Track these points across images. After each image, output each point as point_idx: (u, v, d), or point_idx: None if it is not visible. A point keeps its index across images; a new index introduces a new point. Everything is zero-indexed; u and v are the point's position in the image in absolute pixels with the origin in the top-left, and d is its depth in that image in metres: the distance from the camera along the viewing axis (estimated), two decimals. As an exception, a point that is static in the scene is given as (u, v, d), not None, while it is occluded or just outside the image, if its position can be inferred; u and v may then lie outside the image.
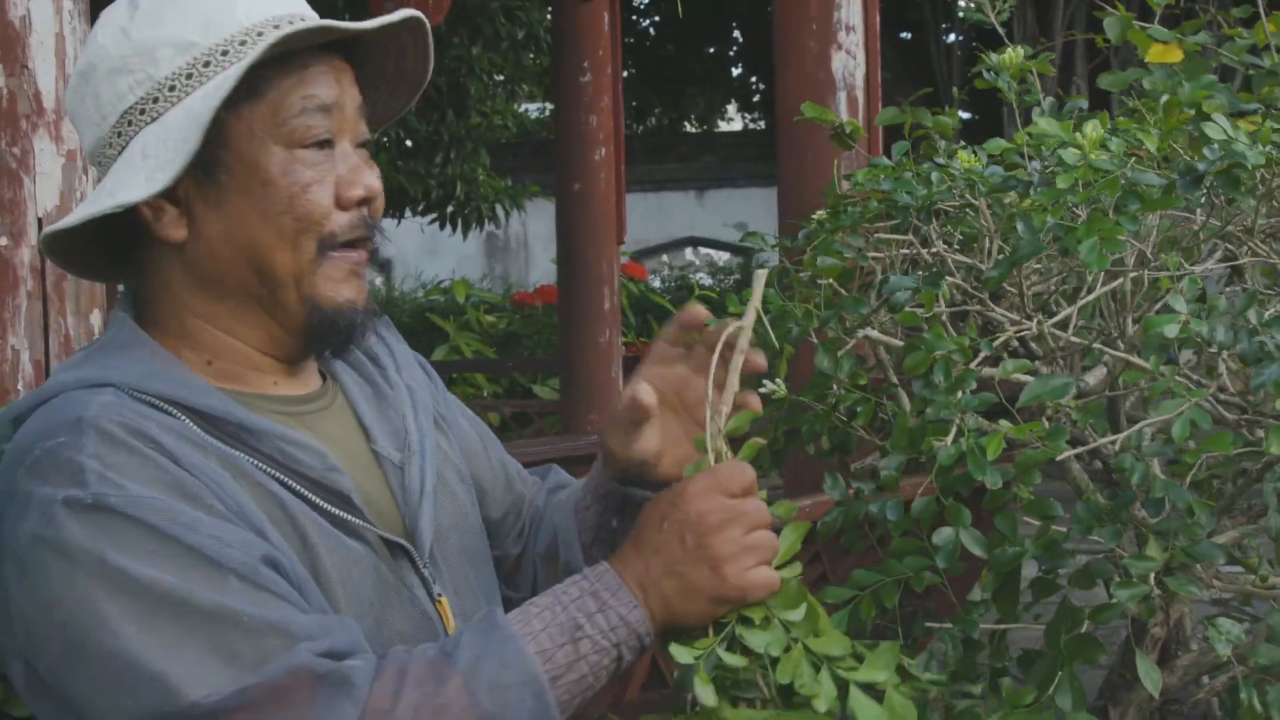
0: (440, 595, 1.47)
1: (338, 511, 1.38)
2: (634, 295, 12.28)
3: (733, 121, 21.68)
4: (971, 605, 1.84)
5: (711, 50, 19.36)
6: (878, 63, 5.12)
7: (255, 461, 1.34)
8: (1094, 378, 1.96)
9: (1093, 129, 1.74)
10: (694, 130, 20.22)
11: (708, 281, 15.72)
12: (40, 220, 3.08)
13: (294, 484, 1.35)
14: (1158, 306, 1.87)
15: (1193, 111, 1.93)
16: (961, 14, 14.88)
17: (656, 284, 15.38)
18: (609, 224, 7.70)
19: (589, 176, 7.58)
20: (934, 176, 1.90)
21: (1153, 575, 1.65)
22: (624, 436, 1.51)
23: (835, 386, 1.91)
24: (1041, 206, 1.72)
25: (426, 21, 1.45)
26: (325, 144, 1.39)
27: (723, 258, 17.92)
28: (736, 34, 19.37)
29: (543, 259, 15.51)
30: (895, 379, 2.23)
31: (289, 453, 1.36)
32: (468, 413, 1.71)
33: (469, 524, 1.58)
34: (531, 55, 11.63)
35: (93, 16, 3.23)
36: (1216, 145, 1.77)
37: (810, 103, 2.66)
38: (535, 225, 16.36)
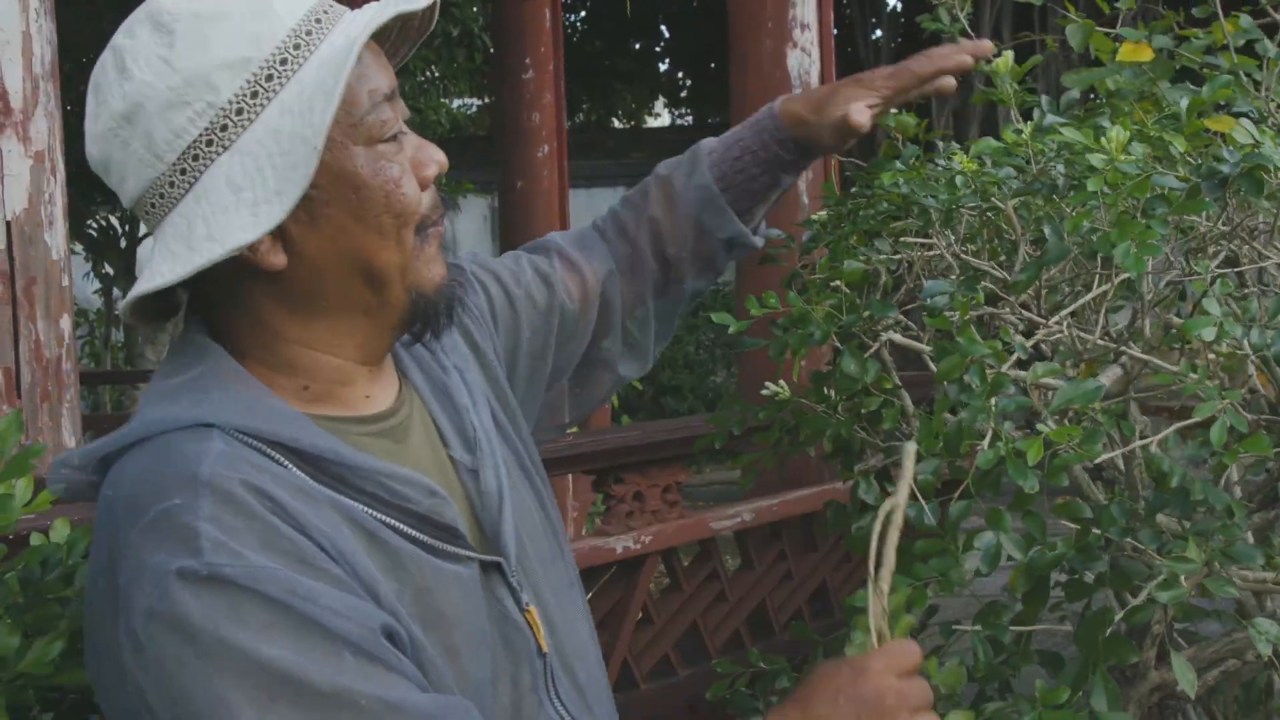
0: (529, 605, 1.44)
1: (443, 545, 1.35)
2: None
3: (660, 117, 21.69)
4: (996, 606, 1.84)
5: (638, 46, 19.35)
6: (832, 60, 5.14)
7: (361, 504, 1.29)
8: (1108, 379, 1.97)
9: (1116, 132, 1.75)
10: (622, 126, 20.20)
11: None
12: (9, 223, 3.01)
13: (399, 523, 1.31)
14: (1184, 307, 1.89)
15: (1212, 116, 1.94)
16: (922, 27, 14.98)
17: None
18: (552, 221, 7.67)
19: (532, 174, 7.55)
20: (958, 180, 1.90)
21: (1183, 577, 1.66)
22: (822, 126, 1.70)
23: (858, 390, 1.90)
24: (1070, 210, 1.73)
25: None
26: (398, 134, 1.34)
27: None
28: (664, 30, 19.38)
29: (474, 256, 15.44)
30: (898, 382, 2.23)
31: (394, 489, 1.32)
32: (487, 290, 1.72)
33: (535, 521, 1.54)
34: (464, 51, 11.57)
35: (59, 15, 3.16)
36: (1235, 149, 1.79)
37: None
38: (465, 223, 16.26)
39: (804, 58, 4.97)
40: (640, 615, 3.97)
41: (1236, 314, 1.65)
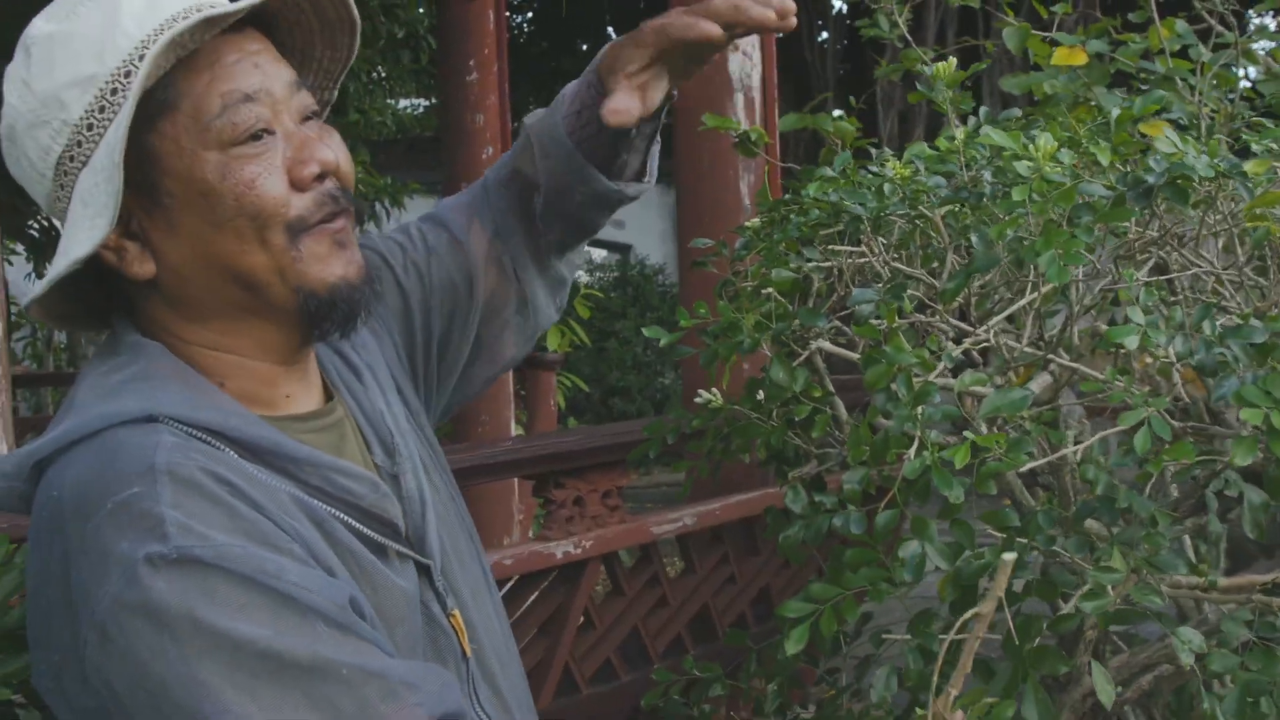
0: (454, 609, 1.43)
1: (386, 542, 1.34)
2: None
3: (607, 118, 21.70)
4: (925, 615, 1.84)
5: (585, 47, 19.33)
6: (774, 64, 5.14)
7: (307, 495, 1.28)
8: (1038, 385, 1.98)
9: (1044, 141, 1.75)
10: (570, 127, 20.17)
11: (586, 279, 15.69)
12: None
13: (346, 516, 1.30)
14: (1118, 313, 1.89)
15: (1137, 126, 1.95)
16: (861, 33, 15.02)
17: (536, 282, 15.32)
18: (497, 223, 7.65)
19: (476, 175, 7.49)
20: (886, 188, 1.90)
21: (1111, 586, 1.66)
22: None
23: (787, 399, 1.90)
24: (996, 218, 1.73)
25: None
26: (261, 133, 1.30)
27: (600, 255, 17.91)
28: (610, 31, 19.37)
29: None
30: (831, 389, 2.23)
31: (338, 482, 1.31)
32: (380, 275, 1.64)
33: (452, 522, 1.53)
34: (410, 53, 11.50)
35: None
36: (1162, 158, 1.79)
37: (712, 113, 2.65)
38: (412, 223, 16.18)
39: (745, 61, 4.97)
40: (582, 620, 3.95)
41: (1162, 322, 1.65)
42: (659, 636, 4.23)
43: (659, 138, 1.68)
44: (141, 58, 1.27)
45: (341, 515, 1.30)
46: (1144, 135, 2.44)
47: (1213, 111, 3.37)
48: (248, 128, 1.29)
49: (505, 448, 3.76)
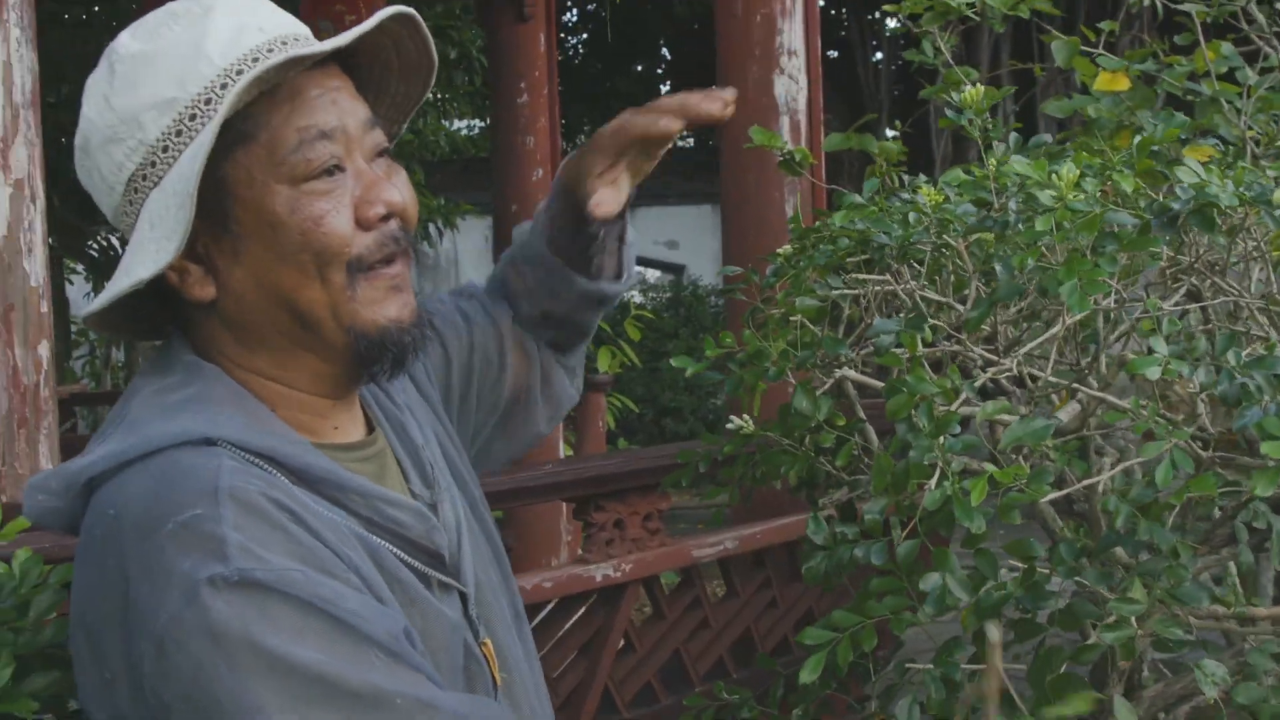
0: (485, 638, 1.45)
1: (431, 572, 1.36)
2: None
3: (662, 139, 21.72)
4: (951, 645, 1.83)
5: (640, 68, 19.39)
6: (820, 87, 5.14)
7: (358, 525, 1.30)
8: (1066, 414, 1.97)
9: (1068, 170, 1.75)
10: (624, 148, 20.20)
11: (639, 299, 15.72)
12: (-14, 251, 3.03)
13: (393, 547, 1.33)
14: (1120, 342, 1.88)
15: (1162, 150, 1.94)
16: (899, 57, 14.97)
17: (589, 302, 15.35)
18: (547, 245, 7.68)
19: (526, 198, 7.56)
20: (911, 216, 1.90)
21: (1134, 617, 1.65)
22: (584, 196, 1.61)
23: (813, 426, 1.90)
24: (1020, 247, 1.73)
25: (413, 12, 1.39)
26: (334, 170, 1.33)
27: (654, 275, 17.93)
28: (665, 52, 19.43)
29: (474, 277, 15.46)
30: (863, 416, 2.23)
31: (388, 514, 1.33)
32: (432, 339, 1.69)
33: (486, 555, 1.54)
34: (464, 74, 11.59)
35: (40, 45, 3.18)
36: (1188, 186, 1.78)
37: (759, 127, 2.66)
38: (466, 243, 16.27)
39: (791, 84, 4.97)
40: (622, 643, 3.95)
41: (1185, 351, 1.64)
42: (700, 660, 4.22)
43: (630, 241, 1.77)
44: (224, 86, 1.30)
45: (389, 545, 1.32)
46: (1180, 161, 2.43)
47: (1258, 135, 3.35)
48: (321, 164, 1.31)
49: (545, 471, 3.78)
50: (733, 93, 1.58)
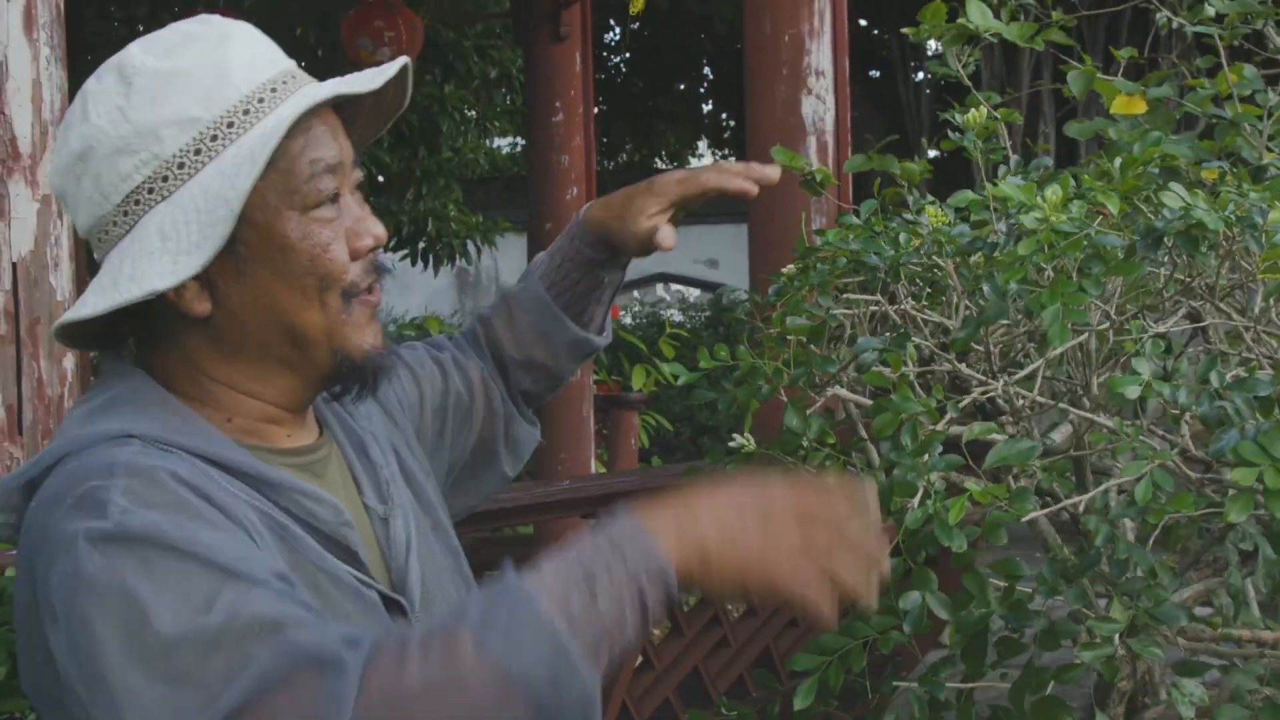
0: None
1: (345, 567, 1.38)
2: (602, 333, 12.24)
3: (703, 157, 21.74)
4: (939, 665, 1.84)
5: (682, 87, 19.43)
6: (847, 107, 5.15)
7: (279, 514, 1.34)
8: (1060, 435, 1.98)
9: (1053, 192, 1.76)
10: (665, 167, 20.27)
11: (679, 318, 15.73)
12: (14, 265, 3.08)
13: (309, 538, 1.35)
14: (1119, 363, 1.89)
15: (1150, 169, 1.95)
16: (928, 72, 14.94)
17: (628, 320, 15.39)
18: (580, 263, 7.72)
19: (560, 216, 7.60)
20: (902, 237, 1.92)
21: (1117, 636, 1.66)
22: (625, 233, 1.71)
23: (806, 445, 1.92)
24: (1006, 268, 1.74)
25: (410, 64, 1.46)
26: (333, 200, 1.39)
27: (693, 294, 17.95)
28: (707, 71, 19.47)
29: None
30: (864, 434, 2.24)
31: (305, 505, 1.36)
32: (397, 381, 1.73)
33: (446, 579, 1.57)
34: (504, 93, 11.65)
35: (70, 64, 3.24)
36: (1174, 210, 1.79)
37: (780, 147, 2.68)
38: (506, 261, 16.34)
39: (818, 104, 4.99)
40: (640, 660, 3.97)
41: (1167, 371, 1.65)
42: (720, 677, 4.24)
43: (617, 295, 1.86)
44: (246, 111, 1.34)
45: (305, 536, 1.35)
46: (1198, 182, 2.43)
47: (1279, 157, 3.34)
48: (328, 194, 1.37)
49: (562, 487, 3.81)
50: (777, 172, 1.72)
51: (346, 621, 1.32)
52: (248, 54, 1.38)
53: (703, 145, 21.13)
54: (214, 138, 1.33)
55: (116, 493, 1.19)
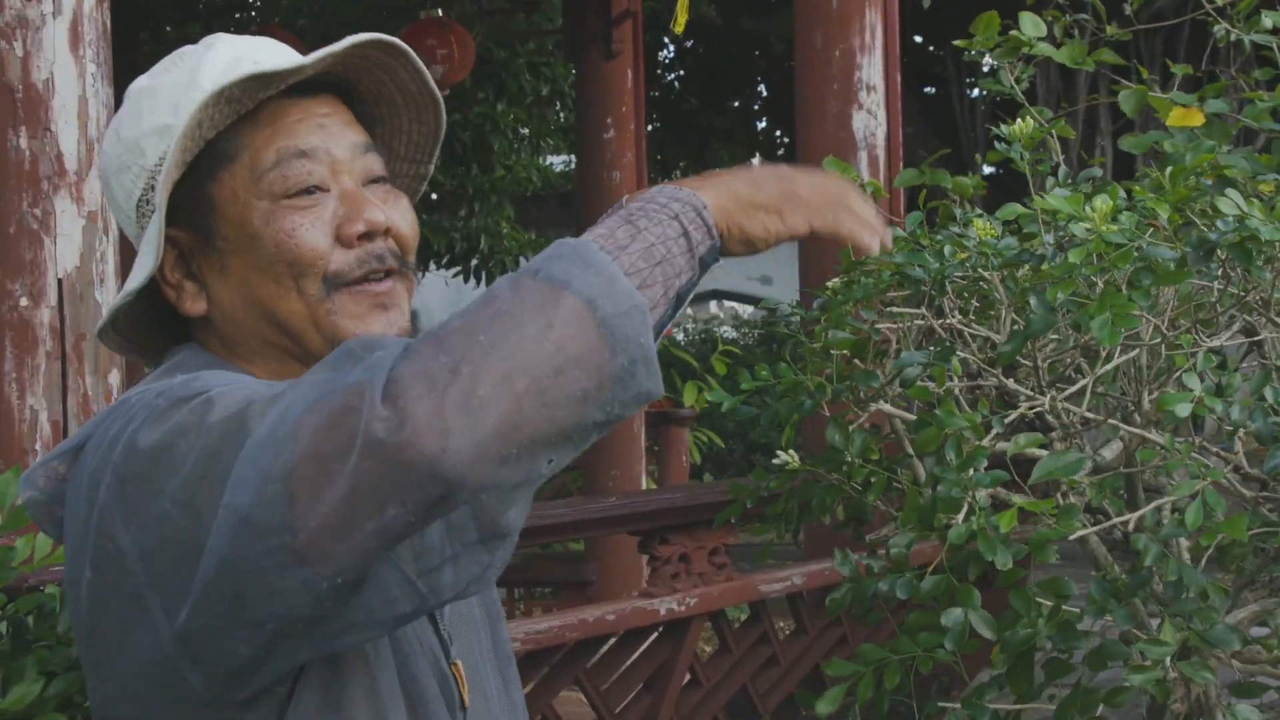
0: (456, 659, 1.45)
1: None
2: (658, 350, 12.26)
3: (757, 175, 21.71)
4: (983, 687, 1.81)
5: (736, 104, 19.41)
6: (899, 122, 5.12)
7: None
8: (1110, 451, 1.94)
9: (1102, 202, 1.72)
10: (719, 184, 20.21)
11: (731, 335, 15.71)
12: (60, 281, 3.10)
13: None
14: (1173, 379, 1.85)
15: (1203, 180, 1.91)
16: (980, 88, 14.85)
17: (680, 337, 15.38)
18: (632, 280, 7.72)
19: (612, 233, 7.60)
20: (947, 250, 1.89)
21: (1168, 659, 1.61)
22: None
23: (848, 459, 1.89)
24: (1054, 280, 1.71)
25: (398, 42, 1.40)
26: (312, 190, 1.36)
27: (746, 311, 17.93)
28: (761, 88, 19.44)
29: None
30: (910, 450, 2.21)
31: None
32: None
33: (470, 604, 1.56)
34: (556, 110, 11.67)
35: (117, 81, 3.26)
36: (1230, 218, 1.75)
37: (833, 158, 2.65)
38: (559, 278, 16.37)
39: (869, 119, 4.96)
40: (688, 677, 3.94)
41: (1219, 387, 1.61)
42: (769, 695, 4.19)
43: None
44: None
45: None
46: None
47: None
48: (298, 182, 1.36)
49: (611, 503, 3.78)
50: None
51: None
52: (225, 59, 1.39)
53: (756, 162, 21.13)
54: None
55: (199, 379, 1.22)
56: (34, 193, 3.05)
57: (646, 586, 3.82)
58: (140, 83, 1.42)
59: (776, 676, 4.20)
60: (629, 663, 3.76)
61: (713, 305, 18.74)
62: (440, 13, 8.27)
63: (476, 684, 1.49)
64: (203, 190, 1.35)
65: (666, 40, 17.73)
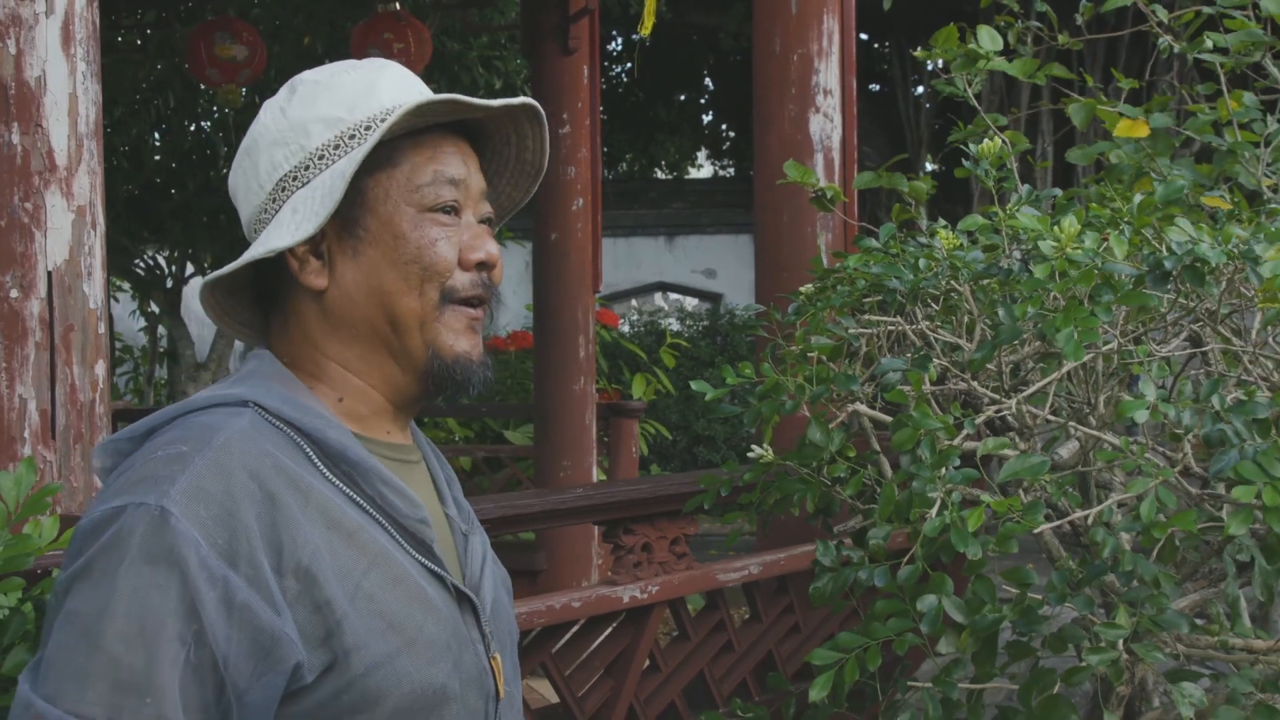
0: (495, 653, 1.58)
1: (420, 558, 1.51)
2: (606, 342, 12.39)
3: (703, 168, 21.86)
4: (951, 666, 1.95)
5: (683, 98, 19.54)
6: (854, 125, 5.25)
7: (358, 499, 1.47)
8: (1067, 450, 2.08)
9: (1069, 224, 1.87)
10: (664, 177, 20.38)
11: (676, 327, 15.85)
12: (50, 273, 3.18)
13: (387, 525, 1.49)
14: (1122, 383, 1.99)
15: (1183, 198, 2.06)
16: (929, 87, 14.99)
17: (626, 329, 15.50)
18: (585, 273, 7.82)
19: (566, 227, 7.71)
20: (921, 263, 2.02)
21: (1121, 641, 1.76)
22: None
23: (826, 458, 2.02)
24: (1022, 294, 1.85)
25: (542, 111, 1.62)
26: (452, 211, 1.55)
27: (691, 303, 18.06)
28: (708, 82, 19.58)
29: (513, 303, 15.60)
30: (878, 448, 2.35)
31: (386, 496, 1.50)
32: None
33: (505, 609, 1.70)
34: (508, 103, 11.72)
35: (112, 77, 3.33)
36: (1181, 244, 1.90)
37: (793, 162, 2.78)
38: (506, 269, 16.43)
39: (826, 122, 5.09)
40: (648, 663, 4.06)
41: (1169, 394, 1.76)
42: (724, 681, 4.33)
43: None
44: (383, 120, 1.54)
45: (384, 523, 1.49)
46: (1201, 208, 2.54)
47: (1276, 183, 3.46)
48: (444, 201, 1.55)
49: (577, 494, 3.90)
50: None
51: (417, 610, 1.46)
52: (401, 81, 1.59)
53: (702, 156, 21.24)
54: (352, 135, 1.55)
55: (190, 472, 1.35)
56: (25, 187, 3.13)
57: (610, 574, 3.95)
58: (311, 75, 1.59)
59: (732, 662, 4.34)
60: (592, 648, 3.88)
61: (658, 298, 18.87)
62: (398, 6, 8.34)
63: (508, 682, 1.62)
64: (358, 183, 1.52)
65: (615, 34, 17.83)
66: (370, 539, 1.46)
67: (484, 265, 1.56)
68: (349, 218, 1.53)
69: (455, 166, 1.56)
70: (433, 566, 1.52)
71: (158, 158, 11.44)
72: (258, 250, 1.52)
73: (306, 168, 1.55)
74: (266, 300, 1.62)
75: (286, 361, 1.58)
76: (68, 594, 1.32)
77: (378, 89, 1.57)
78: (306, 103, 1.57)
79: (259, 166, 1.58)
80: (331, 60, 1.74)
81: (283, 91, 1.61)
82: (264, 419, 1.46)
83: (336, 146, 1.54)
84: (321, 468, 1.46)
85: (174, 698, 1.29)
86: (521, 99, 1.59)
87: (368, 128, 1.54)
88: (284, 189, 1.56)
